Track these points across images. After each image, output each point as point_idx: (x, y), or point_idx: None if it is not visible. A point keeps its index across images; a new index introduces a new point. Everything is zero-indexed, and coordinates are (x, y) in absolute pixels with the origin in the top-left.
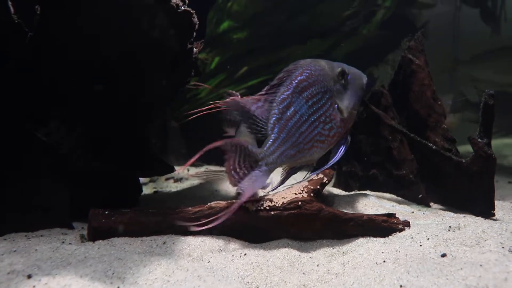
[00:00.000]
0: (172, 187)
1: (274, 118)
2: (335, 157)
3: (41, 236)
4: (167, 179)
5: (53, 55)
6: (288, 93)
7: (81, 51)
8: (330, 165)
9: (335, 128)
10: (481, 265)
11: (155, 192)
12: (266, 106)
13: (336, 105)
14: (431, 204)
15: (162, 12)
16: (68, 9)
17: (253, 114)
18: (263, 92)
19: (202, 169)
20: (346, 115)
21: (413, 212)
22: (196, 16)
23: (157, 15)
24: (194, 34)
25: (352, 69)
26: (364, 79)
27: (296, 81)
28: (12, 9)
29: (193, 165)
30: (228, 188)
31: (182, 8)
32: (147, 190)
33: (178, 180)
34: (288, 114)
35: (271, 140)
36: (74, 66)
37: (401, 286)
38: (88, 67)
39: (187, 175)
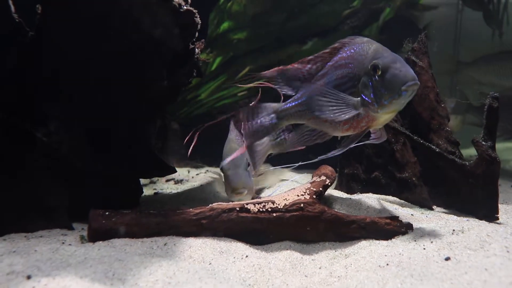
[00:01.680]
0: (173, 188)
1: (304, 83)
2: (322, 156)
3: (41, 236)
4: (167, 180)
5: (53, 54)
6: (329, 64)
7: (82, 50)
8: (316, 160)
9: (341, 119)
10: (486, 269)
11: (155, 193)
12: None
13: (357, 98)
14: (434, 207)
15: (164, 11)
16: (69, 8)
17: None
18: (311, 57)
19: (203, 170)
20: (360, 111)
21: (415, 215)
22: (198, 16)
23: (159, 14)
24: (197, 34)
25: (395, 67)
26: (407, 84)
27: (338, 56)
28: (13, 8)
29: (194, 166)
30: None
31: (185, 7)
32: (147, 191)
33: (179, 181)
34: (318, 83)
35: (290, 100)
36: (75, 65)
37: None
38: (89, 66)
39: (187, 177)
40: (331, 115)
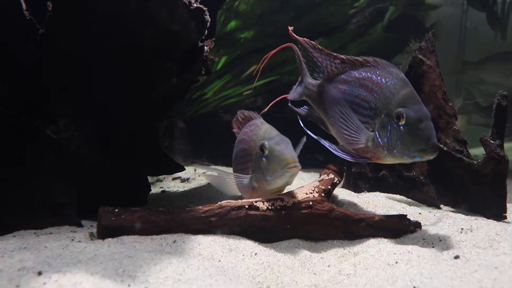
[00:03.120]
0: (179, 187)
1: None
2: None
3: (50, 233)
4: (174, 179)
5: (64, 51)
6: (355, 73)
7: (92, 48)
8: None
9: (348, 144)
10: (496, 268)
11: (162, 191)
12: (328, 61)
13: (371, 130)
14: (441, 206)
15: (180, 4)
16: (82, 4)
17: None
18: (344, 57)
19: (210, 169)
20: (369, 145)
21: (423, 214)
22: (208, 14)
23: (176, 7)
24: (206, 31)
25: (421, 128)
26: (423, 150)
27: (367, 73)
28: (24, 6)
29: (200, 165)
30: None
31: (195, 5)
32: (154, 189)
33: (185, 180)
34: (339, 87)
35: (313, 80)
36: (85, 62)
37: (414, 287)
38: (99, 63)
39: (194, 175)
40: (341, 135)
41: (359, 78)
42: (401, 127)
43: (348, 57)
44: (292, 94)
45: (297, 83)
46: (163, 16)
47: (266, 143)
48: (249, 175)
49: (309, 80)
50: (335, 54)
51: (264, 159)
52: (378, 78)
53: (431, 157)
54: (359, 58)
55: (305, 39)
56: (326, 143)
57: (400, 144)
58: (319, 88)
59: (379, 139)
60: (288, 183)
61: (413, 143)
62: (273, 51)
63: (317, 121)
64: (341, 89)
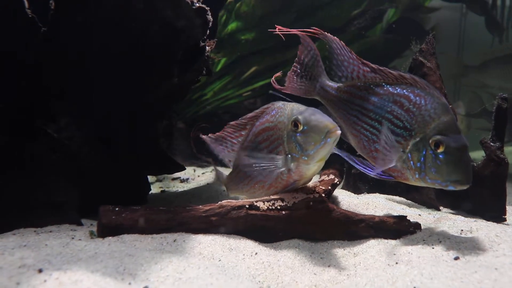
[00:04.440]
0: (179, 187)
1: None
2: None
3: (50, 232)
4: (173, 179)
5: (66, 51)
6: (387, 87)
7: (95, 46)
8: None
9: (371, 156)
10: (496, 269)
11: (162, 191)
12: (356, 66)
13: (401, 150)
14: (441, 208)
15: (175, 8)
16: (84, 3)
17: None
18: (367, 63)
19: (209, 169)
20: (398, 167)
21: (423, 215)
22: (210, 14)
23: (170, 9)
24: (208, 31)
25: (458, 142)
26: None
27: (400, 91)
28: (26, 3)
29: (199, 165)
30: None
31: (197, 4)
32: (153, 189)
33: (185, 180)
34: (372, 95)
35: (333, 83)
36: (87, 61)
37: (415, 287)
38: (101, 62)
39: (193, 176)
40: (365, 148)
41: (393, 93)
42: (439, 156)
43: (380, 67)
44: (295, 89)
45: (300, 76)
46: (168, 12)
47: (299, 117)
48: (281, 157)
49: (327, 81)
50: (365, 61)
51: (299, 134)
52: (417, 98)
53: (464, 188)
54: (394, 72)
55: (335, 37)
56: (344, 155)
57: (434, 171)
58: (341, 92)
59: (411, 162)
60: (326, 156)
61: (449, 173)
62: (293, 31)
63: None
64: (371, 101)
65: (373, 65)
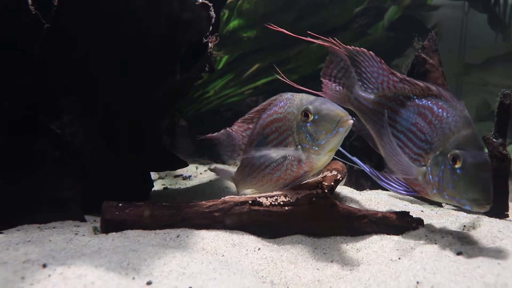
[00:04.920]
0: (181, 184)
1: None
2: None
3: (54, 228)
4: (175, 176)
5: (70, 47)
6: (414, 98)
7: (99, 42)
8: None
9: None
10: (498, 264)
11: (164, 188)
12: (386, 77)
13: (423, 164)
14: (443, 204)
15: (177, 3)
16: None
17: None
18: (394, 72)
19: (212, 167)
20: (420, 181)
21: (425, 211)
22: (213, 10)
23: (176, 0)
24: (211, 28)
25: (476, 158)
26: None
27: (425, 103)
28: (29, 0)
29: (201, 163)
30: None
31: (200, 0)
32: (156, 186)
33: (187, 177)
34: (401, 106)
35: (366, 94)
36: (91, 57)
37: (417, 282)
38: (105, 58)
39: (195, 173)
40: (393, 162)
41: (419, 105)
42: (457, 171)
43: (406, 77)
44: (333, 96)
45: (334, 84)
46: (175, 4)
47: (309, 106)
48: (291, 149)
49: (360, 92)
50: (392, 70)
51: (309, 124)
52: (440, 110)
53: (483, 210)
54: (420, 83)
55: (362, 49)
56: (366, 168)
57: (451, 187)
58: (373, 104)
59: (429, 176)
60: (337, 146)
61: (466, 190)
62: (317, 41)
63: (366, 137)
64: (399, 112)
65: (400, 75)
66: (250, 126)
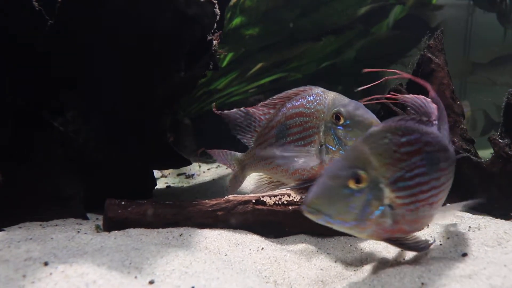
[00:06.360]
0: (184, 182)
1: None
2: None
3: (56, 225)
4: (178, 174)
5: (73, 43)
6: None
7: (103, 39)
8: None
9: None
10: (505, 265)
11: (167, 186)
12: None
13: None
14: (448, 205)
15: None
16: None
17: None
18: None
19: (214, 165)
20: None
21: None
22: (217, 7)
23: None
24: (215, 25)
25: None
26: None
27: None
28: None
29: (204, 161)
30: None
31: None
32: (159, 184)
33: (190, 176)
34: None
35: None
36: (95, 53)
37: (422, 284)
38: (109, 55)
39: (198, 172)
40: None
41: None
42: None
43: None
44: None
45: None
46: (164, 11)
47: (342, 110)
48: (313, 148)
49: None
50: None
51: (340, 127)
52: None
53: None
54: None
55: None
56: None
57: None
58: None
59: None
60: None
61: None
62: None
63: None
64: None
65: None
66: (271, 111)
